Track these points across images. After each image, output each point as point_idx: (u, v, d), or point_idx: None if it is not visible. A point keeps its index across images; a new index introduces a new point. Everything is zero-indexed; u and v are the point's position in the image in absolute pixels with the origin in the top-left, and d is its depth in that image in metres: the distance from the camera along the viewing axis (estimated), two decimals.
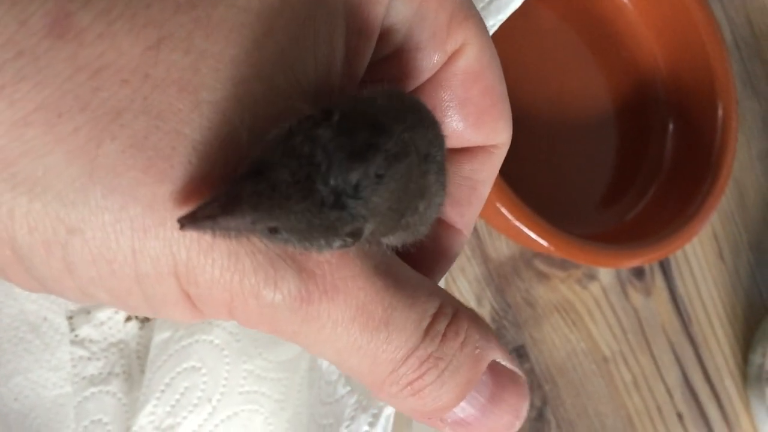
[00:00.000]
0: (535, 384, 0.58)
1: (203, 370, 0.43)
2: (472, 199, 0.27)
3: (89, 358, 0.44)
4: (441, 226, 0.27)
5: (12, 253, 0.20)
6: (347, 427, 0.35)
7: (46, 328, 0.43)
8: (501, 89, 0.26)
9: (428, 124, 0.22)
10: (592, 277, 0.62)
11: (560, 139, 0.62)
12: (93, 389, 0.43)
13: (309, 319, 0.21)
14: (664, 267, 0.65)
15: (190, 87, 0.20)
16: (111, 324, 0.45)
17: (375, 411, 0.35)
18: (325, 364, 0.38)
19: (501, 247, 0.59)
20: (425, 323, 0.22)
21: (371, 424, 0.35)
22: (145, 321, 0.45)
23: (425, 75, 0.25)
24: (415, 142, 0.20)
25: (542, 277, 0.60)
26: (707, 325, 0.66)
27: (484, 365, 0.24)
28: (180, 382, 0.43)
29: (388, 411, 0.34)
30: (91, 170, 0.19)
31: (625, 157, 0.64)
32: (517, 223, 0.52)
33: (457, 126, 0.26)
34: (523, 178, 0.54)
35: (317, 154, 0.18)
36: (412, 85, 0.25)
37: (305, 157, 0.18)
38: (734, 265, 0.68)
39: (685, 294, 0.66)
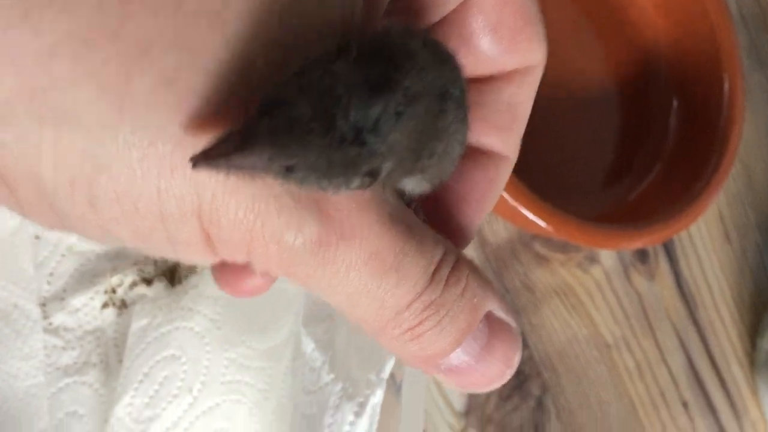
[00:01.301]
0: (533, 372, 0.56)
1: (183, 359, 0.41)
2: (513, 123, 0.27)
3: (63, 348, 0.42)
4: (486, 155, 0.27)
5: (36, 189, 0.19)
6: (332, 416, 0.33)
7: (17, 315, 0.41)
8: (533, 8, 0.26)
9: (443, 60, 0.21)
10: (593, 260, 0.60)
11: (560, 117, 0.59)
12: (68, 380, 0.41)
13: (325, 262, 0.21)
14: (669, 250, 0.63)
15: (220, 21, 0.19)
16: (87, 311, 0.42)
17: (361, 399, 0.33)
18: (308, 349, 0.36)
19: (498, 230, 0.57)
20: (431, 270, 0.23)
21: (357, 414, 0.33)
22: (122, 308, 0.43)
23: (453, 3, 0.25)
24: (432, 81, 0.20)
25: (541, 260, 0.58)
26: (713, 309, 0.64)
27: (482, 313, 0.24)
28: (159, 371, 0.41)
29: (375, 400, 0.33)
30: (121, 105, 0.18)
31: (628, 135, 0.61)
32: (515, 204, 0.50)
33: (491, 51, 0.26)
34: (522, 157, 0.51)
35: (337, 88, 0.18)
36: (441, 12, 0.25)
37: (325, 91, 0.18)
38: (741, 247, 0.66)
39: (690, 277, 0.63)
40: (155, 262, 0.44)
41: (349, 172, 0.18)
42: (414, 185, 0.23)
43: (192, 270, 0.44)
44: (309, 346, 0.36)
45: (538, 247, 0.58)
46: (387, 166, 0.19)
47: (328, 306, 0.39)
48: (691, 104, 0.61)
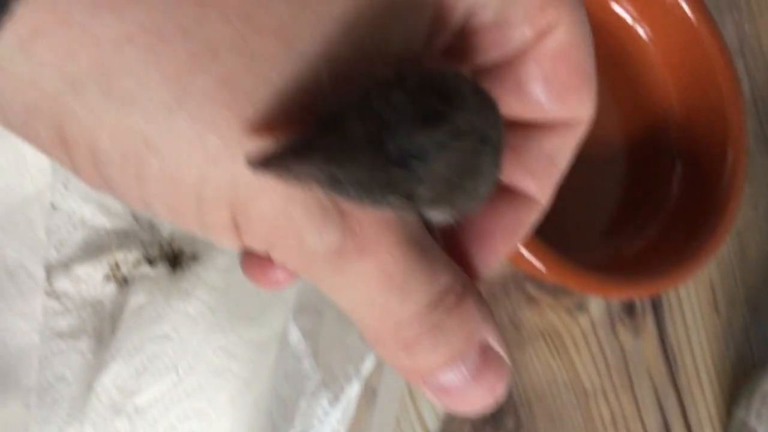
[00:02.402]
0: (510, 407, 0.57)
1: (174, 339, 0.43)
2: (552, 172, 0.28)
3: (62, 312, 0.43)
4: (519, 197, 0.28)
5: (91, 157, 0.21)
6: (307, 401, 0.35)
7: (23, 275, 0.42)
8: (589, 67, 0.27)
9: (488, 107, 0.22)
10: (582, 308, 0.61)
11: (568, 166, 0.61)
12: (61, 343, 0.43)
13: (338, 271, 0.23)
14: (657, 309, 0.64)
15: (286, 36, 0.20)
16: (89, 282, 0.44)
17: (337, 390, 0.34)
18: (294, 338, 0.38)
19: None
20: (436, 294, 0.24)
21: (331, 403, 0.34)
22: (123, 283, 0.45)
23: (513, 49, 0.26)
24: (476, 123, 0.21)
25: (531, 300, 0.59)
26: (694, 374, 0.65)
27: (477, 343, 0.25)
28: (149, 347, 0.42)
29: (351, 391, 0.34)
30: (180, 96, 0.20)
31: (631, 192, 0.63)
32: None
33: (541, 100, 0.26)
34: None
35: (390, 113, 0.19)
36: (499, 57, 0.26)
37: (380, 114, 0.19)
38: (728, 319, 0.67)
39: (675, 340, 0.65)
40: (160, 245, 0.46)
41: (389, 190, 0.20)
42: (438, 215, 0.24)
43: (194, 257, 0.46)
44: (295, 334, 0.38)
45: (530, 288, 0.59)
46: (423, 193, 0.20)
47: (318, 300, 0.40)
48: (695, 171, 0.63)
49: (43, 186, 0.43)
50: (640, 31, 0.66)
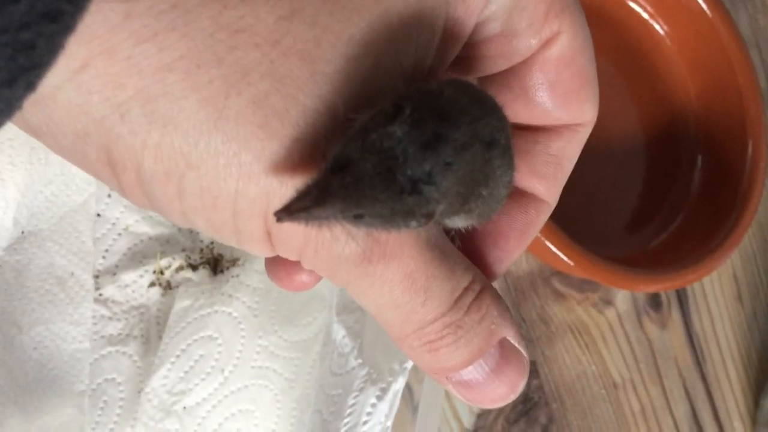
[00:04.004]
0: (542, 401, 0.58)
1: (219, 341, 0.44)
2: (558, 174, 0.29)
3: (110, 318, 0.45)
4: (529, 198, 0.29)
5: (136, 176, 0.23)
6: (355, 397, 0.36)
7: (72, 283, 0.44)
8: (591, 72, 0.28)
9: (491, 111, 0.24)
10: (608, 302, 0.62)
11: (591, 163, 0.62)
12: (110, 348, 0.44)
13: (364, 275, 0.24)
14: (682, 301, 0.65)
15: (310, 58, 0.22)
16: (135, 287, 0.46)
17: (383, 385, 0.35)
18: (339, 336, 0.39)
19: (520, 262, 0.59)
20: (456, 294, 0.25)
21: (379, 398, 0.35)
22: (167, 288, 0.46)
23: (518, 58, 0.27)
24: (479, 131, 0.23)
25: (559, 296, 0.60)
26: (720, 364, 0.66)
27: (496, 340, 0.26)
28: (195, 349, 0.44)
29: (397, 386, 0.35)
30: (217, 118, 0.22)
31: (653, 186, 0.64)
32: (541, 237, 0.52)
33: (546, 105, 0.28)
34: None
35: (394, 148, 0.21)
36: (506, 64, 0.27)
37: (384, 151, 0.21)
38: (752, 308, 0.68)
39: (700, 331, 0.65)
40: (201, 251, 0.47)
41: (409, 217, 0.22)
42: (460, 222, 0.26)
43: (234, 262, 0.47)
44: (340, 333, 0.39)
45: (557, 284, 0.61)
46: (440, 209, 0.22)
47: None
48: (715, 163, 0.64)
49: (88, 196, 0.44)
50: (657, 27, 0.67)
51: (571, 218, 0.56)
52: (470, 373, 0.26)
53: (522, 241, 0.30)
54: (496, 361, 0.27)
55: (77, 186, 0.44)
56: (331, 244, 0.24)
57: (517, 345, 0.27)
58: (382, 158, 0.21)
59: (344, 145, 0.21)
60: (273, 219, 0.23)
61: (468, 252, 0.28)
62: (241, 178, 0.22)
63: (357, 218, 0.22)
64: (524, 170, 0.29)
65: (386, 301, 0.25)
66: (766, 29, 0.74)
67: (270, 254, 0.25)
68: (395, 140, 0.21)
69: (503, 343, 0.27)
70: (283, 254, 0.25)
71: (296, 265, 0.26)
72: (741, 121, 0.63)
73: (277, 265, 0.28)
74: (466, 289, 0.26)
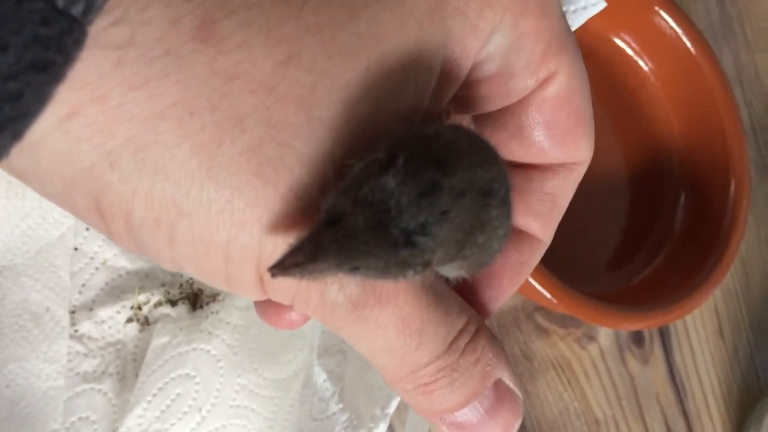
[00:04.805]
0: None
1: (197, 379, 0.43)
2: (553, 212, 0.29)
3: (86, 355, 0.44)
4: (523, 237, 0.29)
5: (125, 223, 0.22)
6: None
7: (47, 319, 0.43)
8: (587, 111, 0.28)
9: (490, 160, 0.23)
10: (591, 338, 0.62)
11: (574, 198, 0.62)
12: (85, 386, 0.43)
13: (358, 320, 0.24)
14: (664, 337, 0.65)
15: (307, 104, 0.22)
16: (111, 323, 0.45)
17: (364, 431, 0.35)
18: (319, 380, 0.38)
19: None
20: (451, 337, 0.25)
21: None
22: (145, 324, 0.45)
23: (515, 97, 0.27)
24: (477, 179, 0.22)
25: (542, 331, 0.60)
26: (702, 400, 0.66)
27: (491, 381, 0.26)
28: (172, 388, 0.43)
29: None
30: (209, 167, 0.21)
31: (635, 222, 0.64)
32: None
33: (542, 144, 0.27)
34: None
35: (386, 201, 0.20)
36: (503, 104, 0.27)
37: (375, 204, 0.20)
38: (733, 344, 0.68)
39: (682, 367, 0.65)
40: (181, 285, 0.47)
41: (405, 267, 0.21)
42: (453, 272, 0.26)
43: (213, 297, 0.46)
44: (321, 376, 0.38)
45: (540, 319, 0.60)
46: (436, 257, 0.22)
47: (342, 341, 0.41)
48: (698, 201, 0.64)
49: (66, 230, 0.43)
50: (641, 64, 0.67)
51: (554, 253, 0.56)
52: (465, 414, 0.26)
53: (516, 280, 0.29)
54: (491, 403, 0.26)
55: (54, 219, 0.43)
56: (324, 290, 0.23)
57: (511, 386, 0.27)
58: (374, 211, 0.20)
59: (336, 197, 0.21)
60: (266, 265, 0.22)
61: (461, 291, 0.28)
62: (233, 226, 0.22)
63: (353, 270, 0.21)
64: (519, 208, 0.28)
65: (380, 346, 0.25)
66: (749, 66, 0.75)
67: (262, 299, 0.25)
68: (387, 192, 0.20)
69: (498, 384, 0.26)
70: (276, 299, 0.24)
71: (285, 305, 0.26)
72: (724, 158, 0.63)
73: (266, 305, 0.28)
74: (461, 332, 0.25)
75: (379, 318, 0.24)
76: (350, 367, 0.38)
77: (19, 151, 0.20)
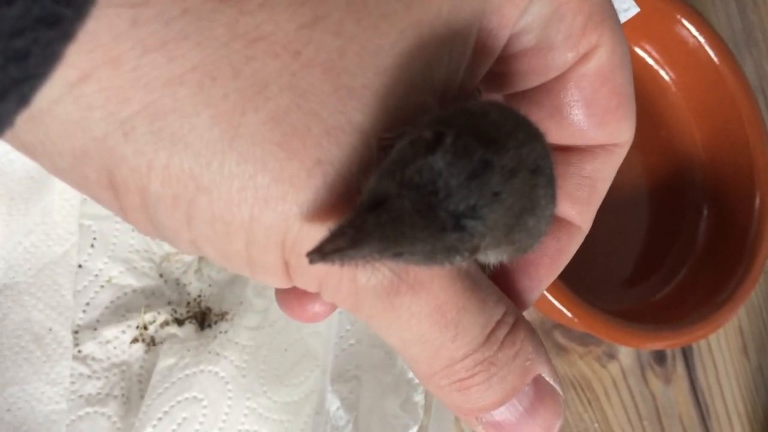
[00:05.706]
0: None
1: (204, 402, 0.42)
2: (592, 197, 0.27)
3: (89, 376, 0.42)
4: (561, 223, 0.27)
5: (140, 200, 0.20)
6: None
7: (49, 339, 0.41)
8: (629, 90, 0.26)
9: (535, 137, 0.22)
10: (612, 356, 0.60)
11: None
12: (89, 409, 0.42)
13: (390, 308, 0.22)
14: (687, 355, 0.63)
15: (334, 70, 0.20)
16: (116, 344, 0.43)
17: None
18: (333, 408, 0.37)
19: None
20: (488, 328, 0.23)
21: None
22: (151, 344, 0.44)
23: (553, 73, 0.25)
24: (525, 157, 0.21)
25: (561, 349, 0.58)
26: (726, 421, 0.63)
27: (531, 377, 0.24)
28: (179, 411, 0.41)
29: None
30: (232, 137, 0.19)
31: (656, 236, 0.62)
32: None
33: (581, 124, 0.26)
34: None
35: (435, 182, 0.19)
36: (540, 80, 0.25)
37: (423, 186, 0.19)
38: (758, 362, 0.66)
39: (705, 386, 0.63)
40: (188, 304, 0.45)
41: (452, 253, 0.20)
42: (494, 257, 0.24)
43: (222, 316, 0.45)
44: (334, 404, 0.37)
45: (559, 337, 0.58)
46: (485, 242, 0.20)
47: (355, 367, 0.39)
48: (722, 214, 0.62)
49: (70, 247, 0.42)
50: (662, 74, 0.65)
51: (573, 269, 0.54)
52: (503, 413, 0.24)
53: (553, 270, 0.28)
54: (530, 401, 0.24)
55: (58, 236, 0.42)
56: (356, 274, 0.21)
57: (552, 382, 0.25)
58: (422, 194, 0.19)
59: (380, 178, 0.19)
60: (291, 248, 0.21)
61: (496, 280, 0.26)
62: (256, 203, 0.20)
63: (396, 256, 0.20)
64: (556, 193, 0.27)
65: (413, 336, 0.23)
66: None
67: (286, 286, 0.23)
68: (436, 173, 0.19)
69: (538, 381, 0.24)
70: (302, 286, 0.23)
71: (310, 294, 0.24)
72: (749, 170, 0.61)
73: (288, 295, 0.26)
74: (499, 322, 0.23)
75: (412, 306, 0.22)
76: (364, 394, 0.37)
77: (26, 121, 0.19)
